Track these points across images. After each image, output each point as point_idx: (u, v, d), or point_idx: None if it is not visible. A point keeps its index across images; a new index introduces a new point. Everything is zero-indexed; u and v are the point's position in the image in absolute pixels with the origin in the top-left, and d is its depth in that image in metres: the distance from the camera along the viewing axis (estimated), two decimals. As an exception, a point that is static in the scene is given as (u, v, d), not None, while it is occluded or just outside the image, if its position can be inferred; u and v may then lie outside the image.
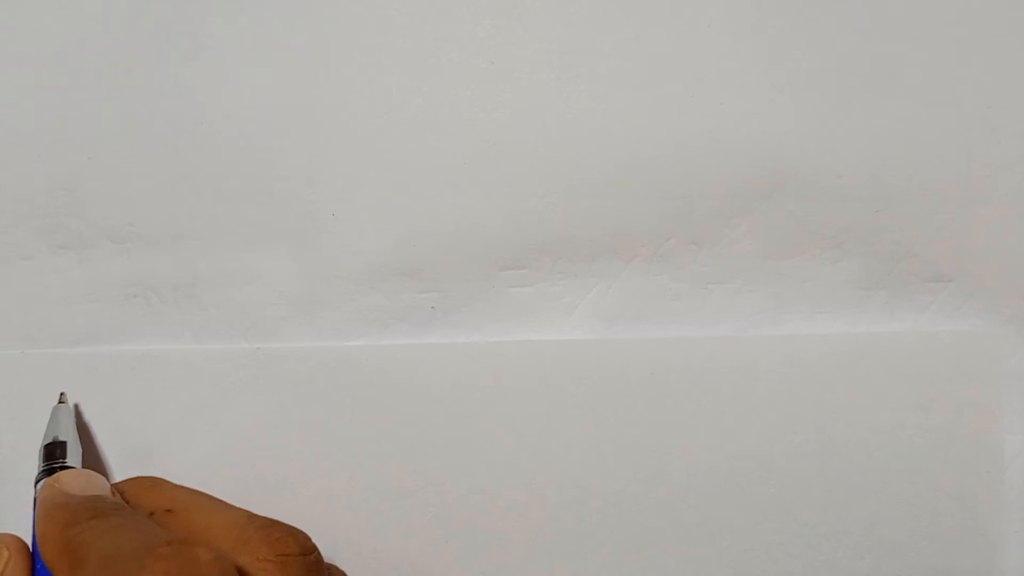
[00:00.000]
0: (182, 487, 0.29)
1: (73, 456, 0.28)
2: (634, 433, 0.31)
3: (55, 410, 0.29)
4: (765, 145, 0.30)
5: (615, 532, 0.31)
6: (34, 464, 0.28)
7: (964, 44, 0.30)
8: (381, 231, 0.30)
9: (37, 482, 0.27)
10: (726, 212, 0.31)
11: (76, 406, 0.30)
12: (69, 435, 0.29)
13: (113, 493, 0.27)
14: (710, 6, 0.30)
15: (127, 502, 0.28)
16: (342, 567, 0.29)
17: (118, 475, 0.30)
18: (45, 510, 0.26)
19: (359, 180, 0.30)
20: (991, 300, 0.31)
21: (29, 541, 0.26)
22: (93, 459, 0.30)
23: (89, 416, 0.30)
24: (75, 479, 0.27)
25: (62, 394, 0.30)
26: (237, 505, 0.28)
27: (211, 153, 0.30)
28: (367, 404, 0.31)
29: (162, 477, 0.30)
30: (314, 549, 0.26)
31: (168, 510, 0.27)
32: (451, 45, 0.30)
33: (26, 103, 0.29)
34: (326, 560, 0.28)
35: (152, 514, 0.27)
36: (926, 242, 0.31)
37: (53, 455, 0.28)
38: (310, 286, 0.30)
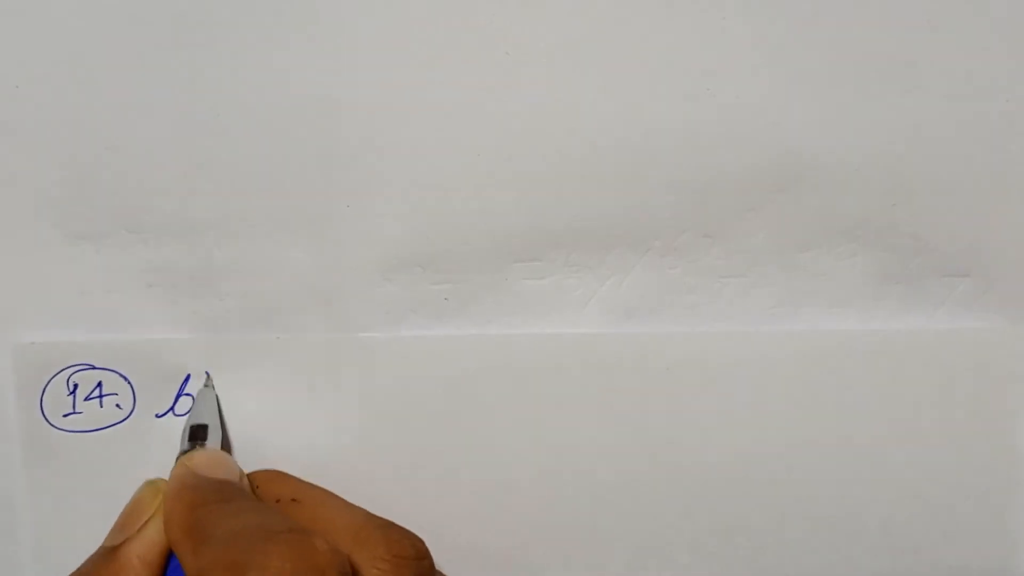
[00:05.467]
0: (306, 481, 0.30)
1: (213, 439, 0.29)
2: (648, 427, 0.31)
3: (200, 392, 0.30)
4: (781, 138, 0.30)
5: (629, 527, 0.31)
6: (44, 447, 0.30)
7: (983, 37, 0.30)
8: (395, 223, 0.30)
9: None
10: (741, 205, 0.31)
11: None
12: (212, 419, 0.29)
13: (241, 478, 0.28)
14: (726, -1, 0.30)
15: (255, 489, 0.29)
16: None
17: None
18: (174, 489, 0.26)
19: (374, 172, 0.30)
20: (1008, 295, 0.31)
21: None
22: (225, 444, 0.31)
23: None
24: (207, 461, 0.28)
25: (208, 376, 0.30)
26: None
27: (227, 143, 0.30)
28: (380, 395, 0.31)
29: None
30: (427, 555, 0.26)
31: (294, 499, 0.28)
32: (467, 36, 0.30)
33: (42, 93, 0.29)
34: None
35: (278, 501, 0.28)
36: (943, 237, 0.31)
37: (195, 436, 0.29)
38: (324, 277, 0.31)
